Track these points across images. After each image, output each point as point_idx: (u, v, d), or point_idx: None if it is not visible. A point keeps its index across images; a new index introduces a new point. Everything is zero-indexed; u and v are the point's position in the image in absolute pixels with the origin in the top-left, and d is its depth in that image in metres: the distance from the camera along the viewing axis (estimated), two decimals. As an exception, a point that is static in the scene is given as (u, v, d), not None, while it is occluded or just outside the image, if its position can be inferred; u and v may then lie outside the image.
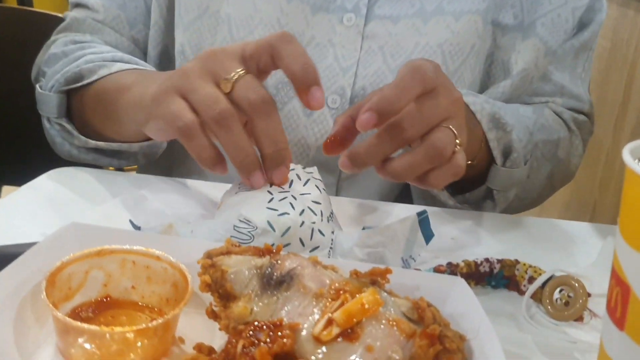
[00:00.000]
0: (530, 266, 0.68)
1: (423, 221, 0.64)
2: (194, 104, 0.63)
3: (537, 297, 0.66)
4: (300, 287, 0.51)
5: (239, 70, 0.63)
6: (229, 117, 0.62)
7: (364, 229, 0.70)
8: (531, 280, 0.67)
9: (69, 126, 0.87)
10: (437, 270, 0.65)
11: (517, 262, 0.68)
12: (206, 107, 0.62)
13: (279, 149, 0.64)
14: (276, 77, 0.91)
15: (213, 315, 0.53)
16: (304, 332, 0.48)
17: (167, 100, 0.65)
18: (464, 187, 0.86)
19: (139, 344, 0.50)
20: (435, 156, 0.63)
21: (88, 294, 0.55)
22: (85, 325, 0.49)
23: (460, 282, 0.57)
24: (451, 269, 0.66)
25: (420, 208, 0.69)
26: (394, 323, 0.49)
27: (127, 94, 0.75)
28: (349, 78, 0.90)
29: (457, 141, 0.64)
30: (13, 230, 0.69)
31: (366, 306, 0.48)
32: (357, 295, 0.50)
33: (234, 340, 0.47)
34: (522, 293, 0.67)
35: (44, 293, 0.50)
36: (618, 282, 0.47)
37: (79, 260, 0.54)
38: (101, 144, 0.84)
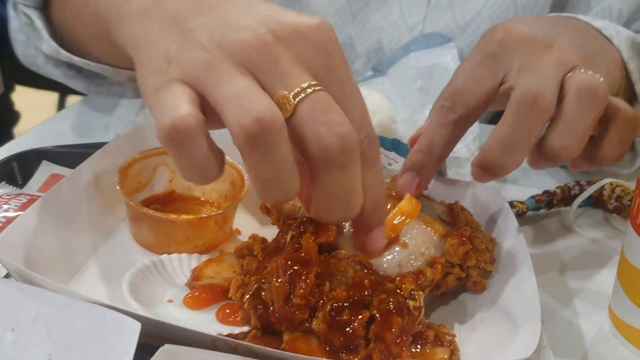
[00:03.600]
0: (617, 185, 0.69)
1: None
2: (216, 102, 0.41)
3: (624, 213, 0.68)
4: (345, 188, 0.56)
5: (308, 82, 0.41)
6: (280, 129, 0.40)
7: None
8: (618, 199, 0.69)
9: (38, 21, 0.64)
10: (538, 199, 0.67)
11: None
12: (236, 108, 0.39)
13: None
14: None
15: (266, 210, 0.59)
16: (345, 229, 0.53)
17: (165, 87, 0.41)
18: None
19: (201, 230, 0.56)
20: (589, 98, 0.49)
21: (156, 188, 0.62)
22: (155, 213, 0.55)
23: (495, 191, 0.60)
24: (548, 197, 0.68)
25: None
26: (429, 224, 0.54)
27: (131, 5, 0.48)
28: (356, 25, 0.86)
29: (601, 78, 0.50)
30: (81, 133, 0.75)
31: (403, 218, 0.52)
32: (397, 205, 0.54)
33: (284, 232, 0.53)
34: (608, 211, 0.69)
35: (118, 184, 0.57)
36: (641, 192, 0.51)
37: (148, 157, 0.61)
38: (77, 59, 0.62)
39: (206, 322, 0.48)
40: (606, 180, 0.69)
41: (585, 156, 0.52)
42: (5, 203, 0.59)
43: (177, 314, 0.48)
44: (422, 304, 0.47)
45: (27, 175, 0.65)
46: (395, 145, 0.65)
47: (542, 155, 0.50)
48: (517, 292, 0.51)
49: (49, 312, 0.43)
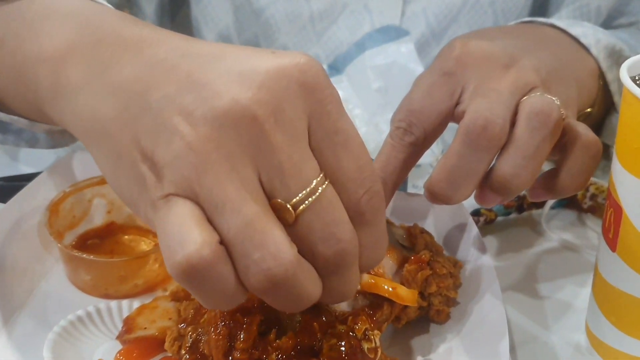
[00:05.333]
0: (591, 183, 0.64)
1: None
2: (226, 239, 0.33)
3: (599, 213, 0.64)
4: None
5: (310, 186, 0.34)
6: (292, 276, 0.34)
7: None
8: (593, 197, 0.64)
9: None
10: (507, 205, 0.63)
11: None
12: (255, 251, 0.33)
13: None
14: None
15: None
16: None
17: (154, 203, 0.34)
18: None
19: (140, 269, 0.52)
20: (541, 122, 0.45)
21: (93, 222, 0.57)
22: (86, 255, 0.51)
23: (461, 209, 0.56)
24: (518, 202, 0.64)
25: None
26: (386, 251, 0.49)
27: (65, 65, 0.39)
28: (323, 43, 0.79)
29: (557, 102, 0.46)
30: (14, 165, 0.70)
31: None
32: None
33: None
34: (583, 210, 0.65)
35: (47, 224, 0.52)
36: (612, 204, 0.46)
37: (81, 189, 0.56)
38: None
39: (141, 381, 0.44)
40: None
41: (543, 185, 0.48)
42: None
43: (109, 374, 0.44)
44: (377, 344, 0.43)
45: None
46: None
47: (491, 186, 0.46)
48: (483, 319, 0.47)
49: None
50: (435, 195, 0.46)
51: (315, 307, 0.45)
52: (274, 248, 0.33)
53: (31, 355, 0.46)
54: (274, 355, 0.41)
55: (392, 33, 0.75)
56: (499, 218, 0.64)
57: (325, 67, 0.80)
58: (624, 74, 0.44)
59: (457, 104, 0.48)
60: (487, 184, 0.46)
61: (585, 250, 0.61)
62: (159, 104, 0.34)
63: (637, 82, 0.44)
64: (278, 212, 0.34)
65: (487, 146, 0.44)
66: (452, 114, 0.49)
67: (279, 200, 0.34)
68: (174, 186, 0.33)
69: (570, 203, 0.66)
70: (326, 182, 0.34)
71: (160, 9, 0.83)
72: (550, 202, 0.64)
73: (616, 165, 0.45)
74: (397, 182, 0.49)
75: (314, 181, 0.34)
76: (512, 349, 0.50)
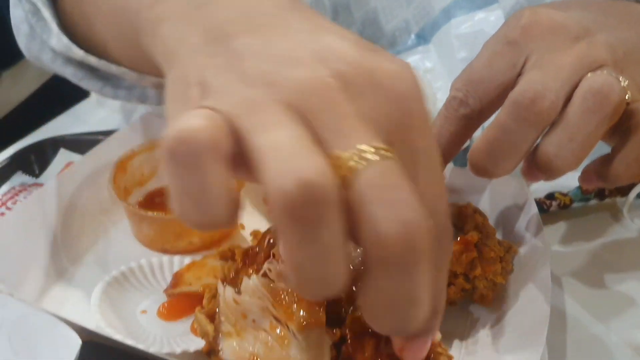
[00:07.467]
0: None
1: None
2: (252, 151, 0.28)
3: None
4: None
5: (374, 145, 0.28)
6: (325, 203, 0.27)
7: None
8: None
9: (46, 10, 0.54)
10: (585, 189, 0.59)
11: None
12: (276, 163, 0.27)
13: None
14: None
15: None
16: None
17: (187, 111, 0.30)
18: None
19: (194, 228, 0.54)
20: (597, 103, 0.41)
21: (161, 181, 0.59)
22: (148, 212, 0.53)
23: (519, 184, 0.53)
24: (600, 188, 0.59)
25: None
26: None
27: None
28: (414, 9, 0.76)
29: (624, 84, 0.42)
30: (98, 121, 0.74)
31: None
32: None
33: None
34: None
35: (112, 180, 0.55)
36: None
37: (150, 149, 0.58)
38: (94, 60, 0.52)
39: (177, 335, 0.45)
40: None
41: (596, 170, 0.44)
42: (16, 195, 0.59)
43: (148, 326, 0.46)
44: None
45: (44, 164, 0.65)
46: None
47: (535, 163, 0.43)
48: (527, 309, 0.45)
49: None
50: (473, 166, 0.44)
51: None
52: (318, 161, 0.27)
53: (86, 299, 0.49)
54: (297, 322, 0.41)
55: (479, 0, 0.71)
56: (577, 204, 0.60)
57: (412, 37, 0.78)
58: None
59: (519, 75, 0.45)
60: (532, 159, 0.43)
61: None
62: (240, 47, 0.31)
63: None
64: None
65: (533, 121, 0.41)
66: (513, 87, 0.46)
67: (334, 151, 0.28)
68: (212, 105, 0.30)
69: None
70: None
71: None
72: (637, 190, 0.58)
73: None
74: (448, 156, 0.47)
75: (381, 144, 0.28)
76: (563, 344, 0.47)
